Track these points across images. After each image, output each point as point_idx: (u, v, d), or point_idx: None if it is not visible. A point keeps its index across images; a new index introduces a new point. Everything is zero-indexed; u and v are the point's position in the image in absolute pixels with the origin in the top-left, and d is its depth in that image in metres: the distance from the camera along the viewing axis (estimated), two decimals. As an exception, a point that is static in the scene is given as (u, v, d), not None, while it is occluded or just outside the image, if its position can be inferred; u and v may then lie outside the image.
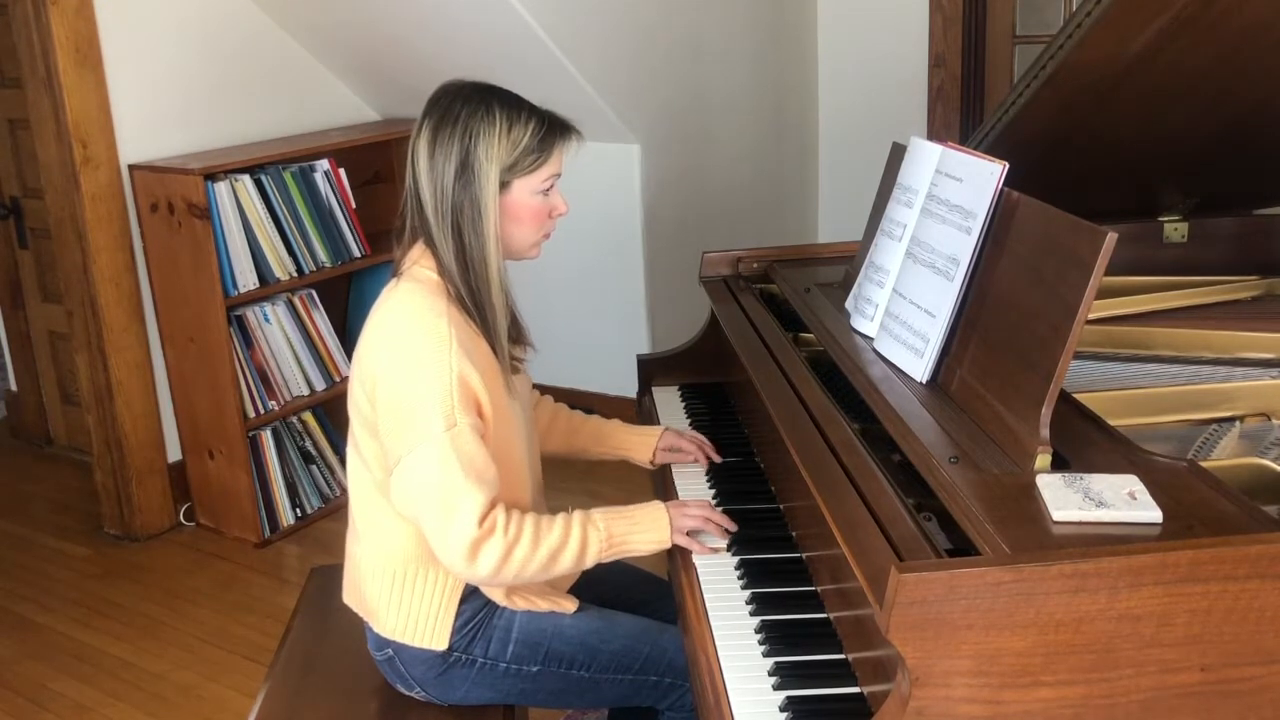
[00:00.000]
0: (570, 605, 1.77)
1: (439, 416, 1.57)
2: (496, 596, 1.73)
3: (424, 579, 1.70)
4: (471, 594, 1.72)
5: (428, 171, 1.64)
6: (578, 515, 1.67)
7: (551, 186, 1.70)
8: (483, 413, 1.63)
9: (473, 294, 1.65)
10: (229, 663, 2.78)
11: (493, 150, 1.62)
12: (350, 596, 1.82)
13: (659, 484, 2.01)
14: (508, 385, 1.70)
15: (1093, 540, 1.16)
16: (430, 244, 1.67)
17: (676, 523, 1.70)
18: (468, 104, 1.64)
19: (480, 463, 1.58)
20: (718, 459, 1.99)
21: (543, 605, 1.75)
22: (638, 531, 1.69)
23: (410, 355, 1.60)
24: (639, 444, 2.03)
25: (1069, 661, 1.09)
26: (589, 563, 1.66)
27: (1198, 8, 1.63)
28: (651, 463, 2.02)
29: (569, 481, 3.51)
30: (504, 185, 1.65)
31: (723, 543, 1.72)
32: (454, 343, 1.60)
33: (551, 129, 1.67)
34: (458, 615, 1.71)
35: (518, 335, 1.79)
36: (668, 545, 1.70)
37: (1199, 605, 1.09)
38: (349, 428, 1.74)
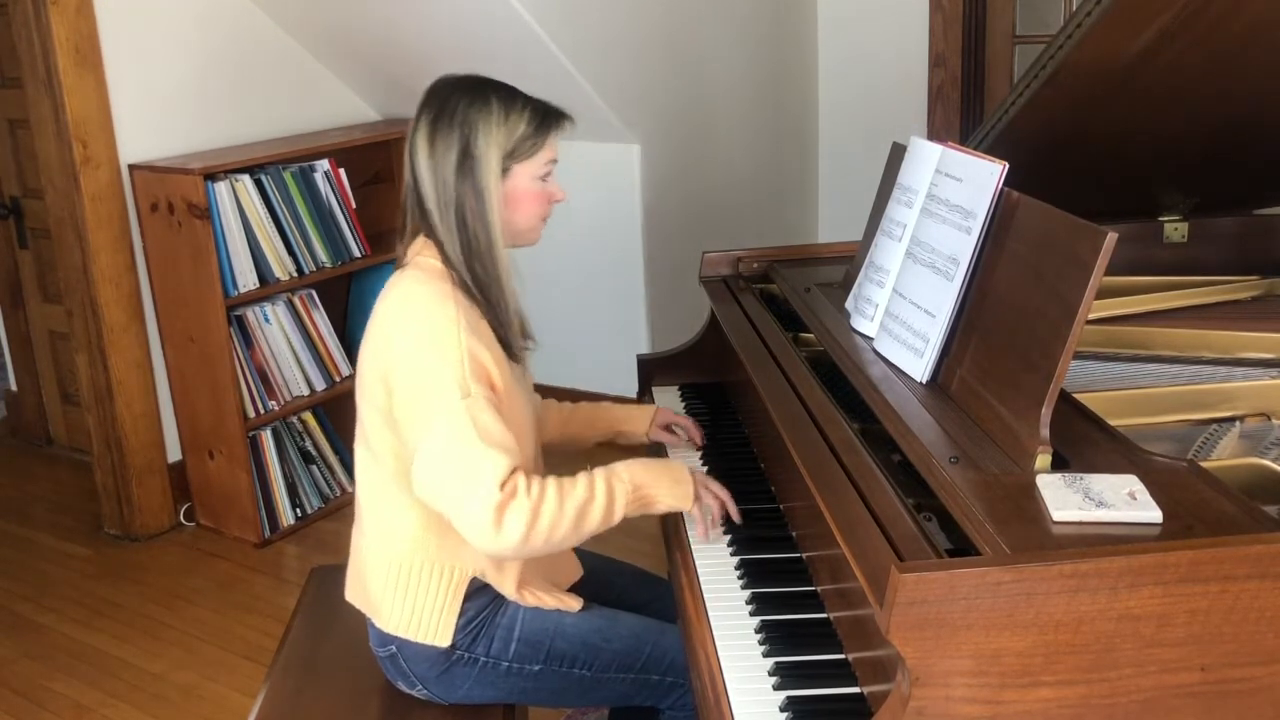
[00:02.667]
0: (575, 604, 1.77)
1: (453, 386, 1.57)
2: (506, 590, 1.73)
3: (429, 574, 1.70)
4: (476, 591, 1.72)
5: (428, 165, 1.66)
6: (600, 471, 1.66)
7: (549, 173, 1.72)
8: (495, 388, 1.64)
9: (479, 282, 1.67)
10: (229, 663, 2.78)
11: (492, 137, 1.64)
12: (354, 593, 1.82)
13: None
14: (513, 372, 1.71)
15: (1093, 540, 1.16)
16: (434, 237, 1.68)
17: (700, 489, 1.71)
18: (464, 95, 1.66)
19: (497, 431, 1.58)
20: (701, 442, 2.03)
21: (550, 602, 1.75)
22: (663, 485, 1.68)
23: (421, 335, 1.61)
24: (635, 417, 2.07)
25: (1069, 661, 1.09)
26: (617, 516, 1.64)
27: (1198, 8, 1.63)
28: (647, 436, 2.06)
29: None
30: (504, 172, 1.67)
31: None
32: (462, 321, 1.61)
33: (546, 116, 1.70)
34: (461, 613, 1.71)
35: (520, 327, 1.79)
36: (688, 506, 1.70)
37: (1199, 605, 1.09)
38: (357, 421, 1.74)
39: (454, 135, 1.64)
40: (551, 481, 1.60)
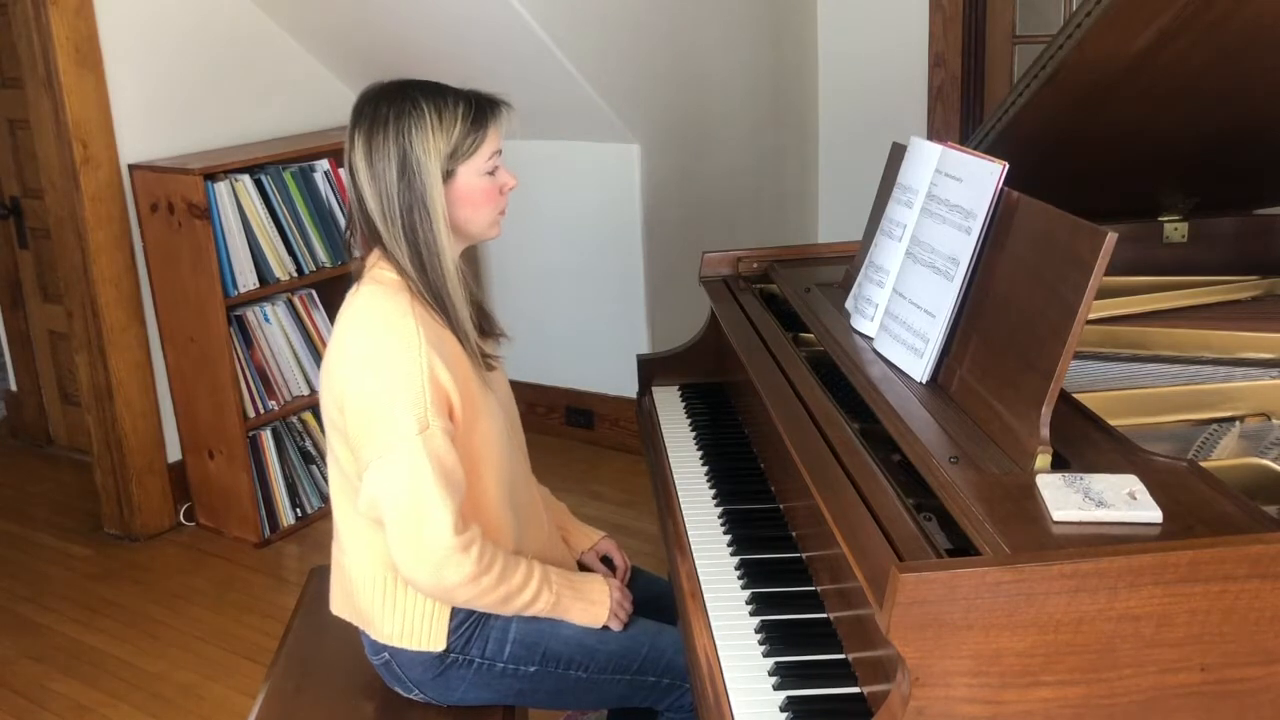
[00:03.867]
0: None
1: (411, 419, 1.56)
2: None
3: (415, 582, 1.70)
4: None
5: (369, 181, 1.62)
6: (538, 571, 1.69)
7: (496, 165, 1.69)
8: (454, 415, 1.62)
9: (433, 290, 1.64)
10: (229, 663, 2.78)
11: (429, 144, 1.61)
12: (341, 607, 1.81)
13: (660, 488, 2.01)
14: (481, 377, 1.69)
15: (1093, 540, 1.16)
16: (385, 251, 1.65)
17: (614, 609, 1.75)
18: (392, 104, 1.63)
19: (450, 466, 1.58)
20: (622, 588, 1.84)
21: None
22: (579, 606, 1.73)
23: (379, 357, 1.59)
24: (580, 535, 2.00)
25: (1069, 661, 1.09)
26: (528, 613, 1.70)
27: (1198, 7, 1.63)
28: (580, 555, 1.98)
29: (569, 481, 3.51)
30: (449, 175, 1.64)
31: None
32: (423, 341, 1.59)
33: (480, 107, 1.66)
34: (452, 615, 1.70)
35: (489, 327, 1.78)
36: (598, 625, 1.74)
37: (1199, 605, 1.09)
38: (326, 440, 1.73)
39: (390, 148, 1.61)
40: (500, 558, 1.63)
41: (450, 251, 1.65)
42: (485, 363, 1.71)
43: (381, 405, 1.57)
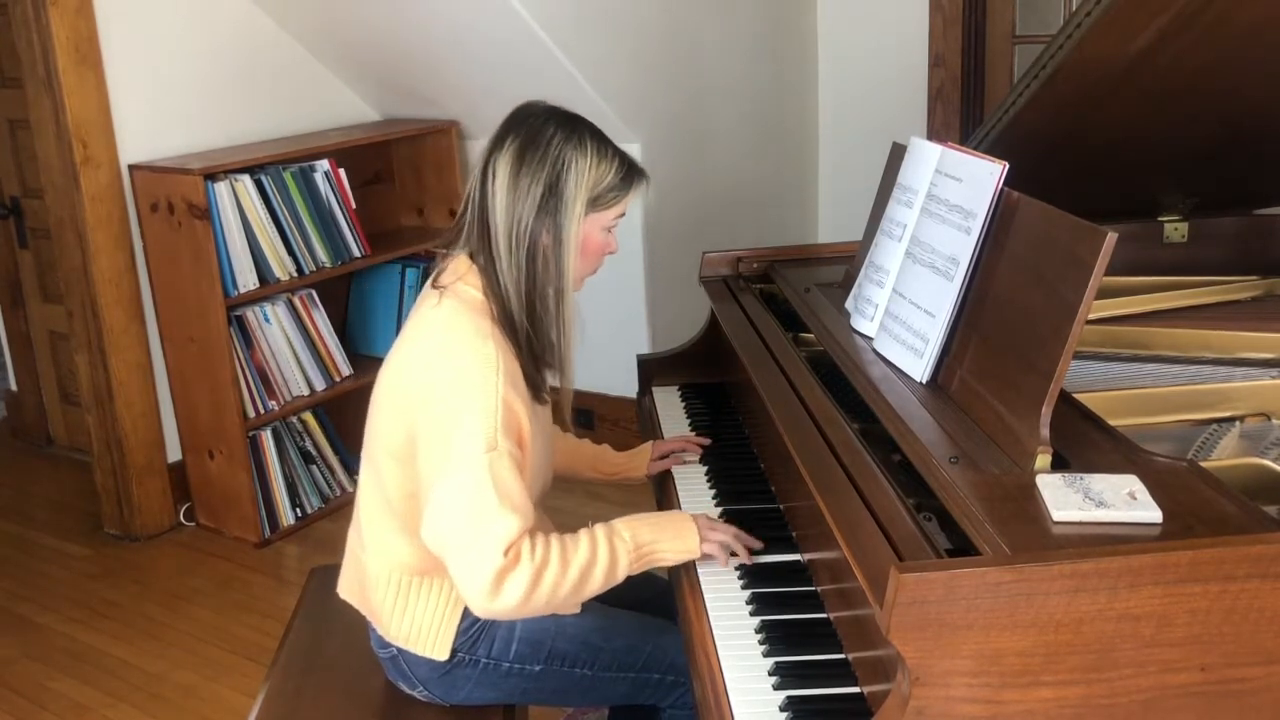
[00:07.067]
0: (571, 608, 1.76)
1: (480, 438, 1.53)
2: None
3: (429, 588, 1.70)
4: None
5: (508, 192, 1.60)
6: (600, 529, 1.62)
7: (615, 226, 1.70)
8: (523, 440, 1.60)
9: (534, 319, 1.62)
10: (229, 663, 2.78)
11: (583, 180, 1.61)
12: (350, 593, 1.82)
13: (659, 487, 2.01)
14: (534, 412, 1.66)
15: (1093, 540, 1.16)
16: (488, 265, 1.63)
17: (705, 533, 1.65)
18: (560, 129, 1.62)
19: (516, 492, 1.54)
20: (706, 441, 2.02)
21: (544, 610, 1.74)
22: (665, 540, 1.64)
23: (456, 376, 1.56)
24: (633, 463, 2.03)
25: (1069, 661, 1.09)
26: (620, 576, 1.61)
27: (1198, 7, 1.63)
28: (647, 475, 2.03)
29: (569, 481, 3.50)
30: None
31: (747, 559, 1.66)
32: (501, 366, 1.57)
33: (632, 170, 1.67)
34: (462, 617, 1.70)
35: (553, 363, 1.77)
36: (696, 555, 1.64)
37: (1199, 605, 1.09)
38: (365, 442, 1.71)
39: (543, 170, 1.59)
40: (555, 542, 1.56)
41: (571, 292, 1.64)
42: (540, 396, 1.68)
43: (453, 424, 1.54)
